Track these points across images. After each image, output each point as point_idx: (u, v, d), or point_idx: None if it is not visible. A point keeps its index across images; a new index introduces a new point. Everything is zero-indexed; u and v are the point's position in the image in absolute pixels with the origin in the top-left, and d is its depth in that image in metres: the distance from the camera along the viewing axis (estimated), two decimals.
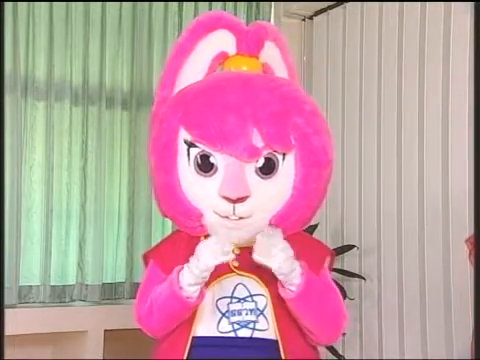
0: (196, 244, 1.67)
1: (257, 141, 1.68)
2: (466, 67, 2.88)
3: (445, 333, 2.92)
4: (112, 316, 3.27)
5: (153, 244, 2.98)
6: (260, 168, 1.70)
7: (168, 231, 3.32)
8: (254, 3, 3.76)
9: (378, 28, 3.38)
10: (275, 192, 1.72)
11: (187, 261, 1.67)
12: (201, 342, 1.75)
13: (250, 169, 1.69)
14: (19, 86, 3.19)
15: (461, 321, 2.82)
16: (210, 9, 3.61)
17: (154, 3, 3.54)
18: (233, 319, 1.74)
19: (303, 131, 1.72)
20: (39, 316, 3.20)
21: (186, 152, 1.72)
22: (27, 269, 3.23)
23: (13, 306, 3.13)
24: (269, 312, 1.74)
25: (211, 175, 1.70)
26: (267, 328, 1.74)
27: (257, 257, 1.64)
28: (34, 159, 3.27)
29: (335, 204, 3.52)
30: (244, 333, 1.73)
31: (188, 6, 3.60)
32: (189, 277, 1.66)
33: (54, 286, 3.28)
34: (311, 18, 3.87)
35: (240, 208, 1.68)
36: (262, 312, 1.74)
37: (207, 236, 1.72)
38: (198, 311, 1.74)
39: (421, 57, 3.13)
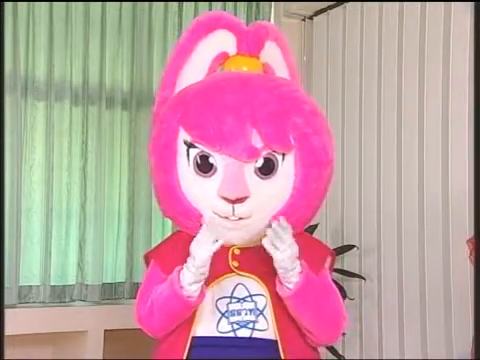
0: None
1: (256, 141, 1.68)
2: (466, 67, 2.87)
3: (445, 333, 2.92)
4: (112, 316, 3.27)
5: (153, 244, 3.00)
6: (259, 168, 1.70)
7: (168, 231, 3.33)
8: (254, 3, 3.76)
9: (378, 28, 3.38)
10: (275, 192, 1.72)
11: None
12: (201, 342, 1.75)
13: (249, 169, 1.69)
14: (19, 86, 3.19)
15: (461, 321, 2.82)
16: (210, 9, 3.60)
17: (154, 3, 3.53)
18: (232, 319, 1.74)
19: (303, 131, 1.72)
20: (39, 316, 3.19)
21: (186, 152, 1.72)
22: (27, 269, 3.23)
23: (13, 306, 3.13)
24: (269, 312, 1.74)
25: (210, 175, 1.70)
26: (267, 328, 1.74)
27: (267, 245, 1.65)
28: (34, 159, 3.26)
29: (335, 204, 3.52)
30: (243, 333, 1.74)
31: (188, 6, 3.60)
32: (189, 276, 1.66)
33: (54, 286, 3.27)
34: (311, 18, 3.87)
35: (239, 208, 1.68)
36: (262, 312, 1.75)
37: None
38: (198, 311, 1.74)
39: (421, 57, 3.12)
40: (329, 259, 1.87)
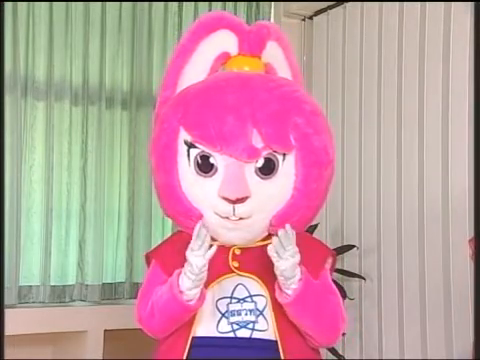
0: None
1: (257, 141, 1.68)
2: (466, 67, 2.87)
3: (445, 333, 2.92)
4: (112, 316, 3.27)
5: (153, 244, 3.00)
6: (260, 168, 1.70)
7: (168, 231, 3.33)
8: (254, 3, 3.76)
9: (378, 28, 3.38)
10: (275, 192, 1.72)
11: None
12: (201, 342, 1.75)
13: (250, 169, 1.69)
14: (19, 86, 3.19)
15: (461, 321, 2.82)
16: (210, 9, 3.60)
17: (154, 3, 3.53)
18: (232, 319, 1.74)
19: (303, 131, 1.72)
20: (39, 316, 3.19)
21: (186, 153, 1.72)
22: (27, 269, 3.23)
23: (13, 306, 3.13)
24: (269, 312, 1.74)
25: (211, 175, 1.70)
26: (266, 328, 1.74)
27: (271, 252, 1.65)
28: (34, 159, 3.26)
29: (335, 204, 3.52)
30: (243, 333, 1.74)
31: (188, 6, 3.60)
32: (187, 282, 1.67)
33: (54, 286, 3.27)
34: (311, 18, 3.87)
35: (240, 209, 1.68)
36: (261, 312, 1.75)
37: None
38: (198, 311, 1.74)
39: (421, 57, 3.12)
40: (330, 260, 1.86)
